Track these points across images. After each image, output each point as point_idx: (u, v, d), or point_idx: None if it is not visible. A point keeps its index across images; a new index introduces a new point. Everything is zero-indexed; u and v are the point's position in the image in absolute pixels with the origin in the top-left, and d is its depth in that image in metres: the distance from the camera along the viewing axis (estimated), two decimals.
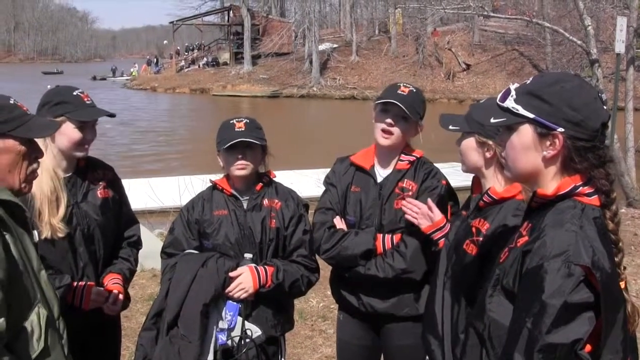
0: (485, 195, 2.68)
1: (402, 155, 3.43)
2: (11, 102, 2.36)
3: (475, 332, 2.11)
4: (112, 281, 3.43)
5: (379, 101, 3.35)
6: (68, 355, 2.40)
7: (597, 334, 1.81)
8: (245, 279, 3.25)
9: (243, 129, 3.35)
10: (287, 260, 3.40)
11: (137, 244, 3.68)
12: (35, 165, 2.42)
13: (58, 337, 2.35)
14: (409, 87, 3.37)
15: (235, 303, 3.26)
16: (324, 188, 3.61)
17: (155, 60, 67.09)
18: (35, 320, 2.22)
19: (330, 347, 5.59)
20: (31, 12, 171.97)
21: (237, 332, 3.26)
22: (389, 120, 3.31)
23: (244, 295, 3.25)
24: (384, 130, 3.34)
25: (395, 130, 3.32)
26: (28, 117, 2.38)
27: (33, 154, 2.41)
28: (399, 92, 3.33)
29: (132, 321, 6.20)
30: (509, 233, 2.32)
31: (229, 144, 3.30)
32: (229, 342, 3.24)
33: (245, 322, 3.28)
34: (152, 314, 3.27)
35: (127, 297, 3.59)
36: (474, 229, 2.65)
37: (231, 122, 3.41)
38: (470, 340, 2.16)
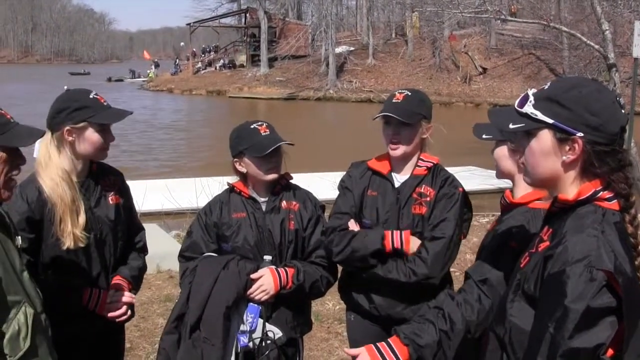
0: (502, 198, 2.74)
1: (420, 161, 3.45)
2: None
3: (496, 337, 2.11)
4: (117, 286, 3.37)
5: (376, 117, 3.41)
6: (53, 352, 2.44)
7: (619, 339, 1.81)
8: (266, 281, 3.25)
9: (269, 133, 3.35)
10: (306, 262, 3.41)
11: (143, 250, 3.64)
12: (15, 172, 2.43)
13: (44, 334, 2.39)
14: (403, 93, 3.43)
15: (255, 305, 3.26)
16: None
17: (175, 61, 67.18)
18: (22, 319, 2.26)
19: None
20: (49, 14, 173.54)
21: (258, 334, 3.27)
22: (391, 133, 3.38)
23: (265, 297, 3.25)
24: (391, 142, 3.40)
25: (402, 138, 3.37)
26: (11, 126, 2.38)
27: (15, 161, 2.41)
28: (394, 100, 3.40)
29: (149, 322, 6.25)
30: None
31: (272, 148, 3.28)
32: (250, 344, 3.26)
33: (266, 323, 3.29)
34: (173, 318, 3.26)
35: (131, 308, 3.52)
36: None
37: (252, 127, 3.37)
38: (490, 344, 2.16)
